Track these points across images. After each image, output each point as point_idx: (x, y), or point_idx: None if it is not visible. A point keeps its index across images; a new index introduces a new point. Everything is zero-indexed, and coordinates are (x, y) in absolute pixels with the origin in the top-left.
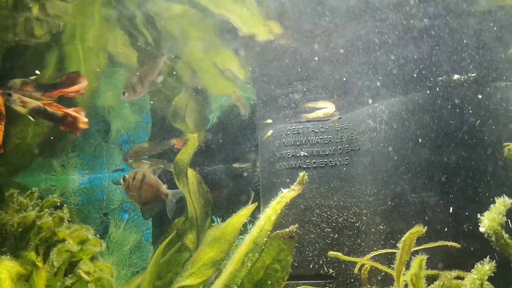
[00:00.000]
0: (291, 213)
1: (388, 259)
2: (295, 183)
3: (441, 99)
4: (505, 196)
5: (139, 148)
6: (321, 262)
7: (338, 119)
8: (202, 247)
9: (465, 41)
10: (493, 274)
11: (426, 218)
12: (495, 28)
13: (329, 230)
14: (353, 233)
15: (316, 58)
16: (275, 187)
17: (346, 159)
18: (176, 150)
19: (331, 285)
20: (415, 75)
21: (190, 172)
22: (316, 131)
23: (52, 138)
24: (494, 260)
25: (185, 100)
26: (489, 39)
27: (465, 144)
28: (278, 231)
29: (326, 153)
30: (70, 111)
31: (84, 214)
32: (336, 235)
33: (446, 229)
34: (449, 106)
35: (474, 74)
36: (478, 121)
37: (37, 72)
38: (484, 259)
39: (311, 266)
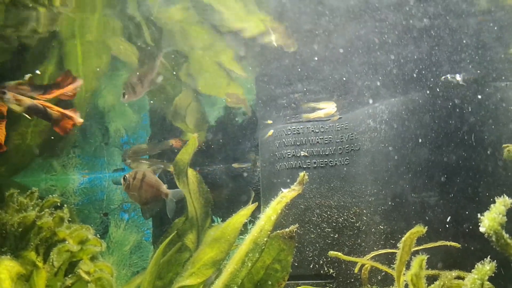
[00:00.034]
0: (291, 213)
1: (389, 259)
2: (295, 183)
3: (441, 99)
4: (505, 196)
5: (138, 148)
6: (321, 262)
7: (338, 119)
8: (202, 247)
9: (465, 41)
10: (493, 274)
11: (426, 218)
12: (495, 28)
13: (330, 230)
14: (353, 233)
15: (316, 58)
16: (275, 187)
17: (346, 159)
18: (176, 150)
19: (331, 285)
20: (415, 75)
21: (191, 172)
22: (316, 131)
23: (52, 138)
24: (494, 260)
25: (186, 100)
26: (489, 39)
27: (465, 144)
28: (278, 231)
29: (326, 153)
30: (67, 111)
31: (84, 214)
32: (337, 235)
33: (446, 229)
34: (449, 106)
35: (462, 76)
36: (478, 119)
37: (37, 72)
38: (485, 259)
39: (311, 266)
